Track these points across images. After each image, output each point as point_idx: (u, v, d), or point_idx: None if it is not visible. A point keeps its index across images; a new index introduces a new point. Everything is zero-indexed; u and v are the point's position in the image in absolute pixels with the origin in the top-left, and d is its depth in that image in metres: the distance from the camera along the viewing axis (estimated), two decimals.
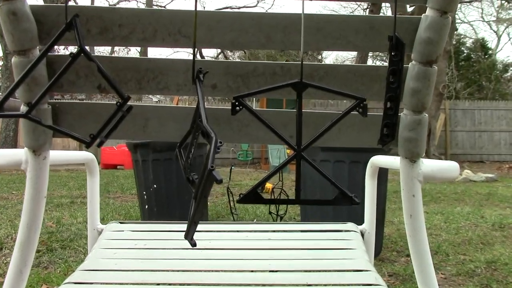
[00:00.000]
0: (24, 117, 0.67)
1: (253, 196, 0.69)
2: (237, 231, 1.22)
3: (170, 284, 0.88)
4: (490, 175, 7.31)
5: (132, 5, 19.68)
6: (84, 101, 0.81)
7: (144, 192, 3.09)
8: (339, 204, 0.67)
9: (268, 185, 5.30)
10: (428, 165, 0.80)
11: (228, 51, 19.00)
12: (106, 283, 0.87)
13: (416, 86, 0.76)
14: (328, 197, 2.31)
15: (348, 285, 0.84)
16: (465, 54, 19.20)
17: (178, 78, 0.78)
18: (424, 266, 0.83)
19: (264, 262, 0.99)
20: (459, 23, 19.38)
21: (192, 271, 0.95)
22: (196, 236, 0.62)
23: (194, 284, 0.88)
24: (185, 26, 0.75)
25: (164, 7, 17.83)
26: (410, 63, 0.78)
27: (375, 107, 8.82)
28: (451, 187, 6.11)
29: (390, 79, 0.74)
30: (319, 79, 0.79)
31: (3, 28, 0.71)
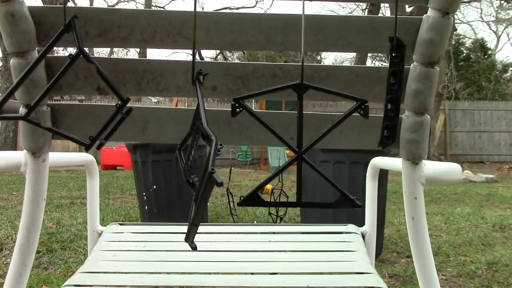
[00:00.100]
0: (23, 120, 0.66)
1: (254, 198, 0.68)
2: (237, 233, 1.21)
3: (170, 287, 0.87)
4: (490, 176, 7.31)
5: (131, 5, 19.69)
6: (83, 103, 0.80)
7: (144, 193, 3.09)
8: (341, 207, 0.66)
9: (268, 186, 5.29)
10: (430, 167, 0.79)
11: (227, 52, 19.00)
12: (106, 286, 0.86)
13: (417, 88, 0.75)
14: (328, 198, 2.30)
15: (350, 287, 0.83)
16: (464, 54, 19.20)
17: (177, 80, 0.77)
18: (426, 269, 0.82)
19: (265, 265, 0.98)
20: (458, 23, 19.40)
21: (192, 273, 0.95)
22: (196, 238, 0.62)
23: (194, 286, 0.87)
24: (185, 27, 0.75)
25: (163, 7, 17.83)
26: (411, 64, 0.77)
27: (374, 107, 8.81)
28: (451, 187, 6.11)
29: (391, 81, 0.74)
30: (319, 81, 0.79)
31: (1, 30, 0.70)
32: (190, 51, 0.74)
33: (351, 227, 1.21)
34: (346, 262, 0.99)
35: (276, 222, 3.35)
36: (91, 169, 1.21)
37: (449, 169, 0.80)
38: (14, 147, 9.94)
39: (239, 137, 0.81)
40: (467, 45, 19.89)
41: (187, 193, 3.05)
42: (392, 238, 3.00)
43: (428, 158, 0.80)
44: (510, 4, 17.86)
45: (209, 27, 0.75)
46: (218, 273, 0.94)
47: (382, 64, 19.70)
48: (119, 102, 0.67)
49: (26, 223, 0.79)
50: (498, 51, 22.11)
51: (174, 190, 3.06)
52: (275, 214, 3.35)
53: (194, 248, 0.62)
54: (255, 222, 3.51)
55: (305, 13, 0.72)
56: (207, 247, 1.09)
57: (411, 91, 0.76)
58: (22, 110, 0.72)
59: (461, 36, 19.67)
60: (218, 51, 18.47)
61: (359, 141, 0.82)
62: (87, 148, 0.67)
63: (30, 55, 0.72)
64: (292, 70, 0.79)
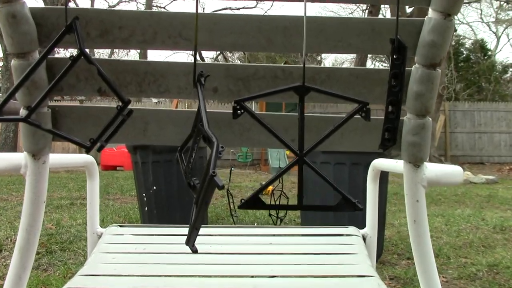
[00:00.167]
0: (23, 122, 0.66)
1: (255, 201, 0.68)
2: (238, 235, 1.21)
3: None
4: (490, 177, 7.30)
5: (131, 5, 19.64)
6: (84, 105, 0.80)
7: (144, 194, 3.08)
8: (342, 210, 0.66)
9: (268, 187, 5.30)
10: (432, 170, 0.79)
11: (228, 52, 19.00)
12: None
13: (419, 90, 0.75)
14: (329, 200, 2.30)
15: None
16: (464, 55, 19.20)
17: (179, 81, 0.77)
18: (428, 272, 0.82)
19: (265, 267, 0.98)
20: (458, 24, 19.39)
21: (192, 276, 0.94)
22: (196, 240, 0.61)
23: None
24: (185, 28, 0.75)
25: (163, 7, 17.82)
26: (413, 66, 0.77)
27: (374, 108, 8.79)
28: (452, 189, 6.10)
29: (392, 83, 0.73)
30: (320, 82, 0.79)
31: (2, 31, 0.70)
32: (190, 51, 0.73)
33: (352, 229, 1.21)
34: (347, 265, 0.99)
35: (276, 224, 3.35)
36: (91, 170, 1.20)
37: (451, 172, 0.80)
38: (14, 147, 9.93)
39: (240, 139, 0.81)
40: (467, 46, 19.89)
41: (187, 194, 3.05)
42: (393, 240, 3.00)
43: (428, 159, 0.80)
44: (510, 5, 17.87)
45: (210, 28, 0.75)
46: (218, 276, 0.94)
47: (382, 65, 19.72)
48: (120, 104, 0.67)
49: (26, 225, 0.79)
50: (498, 52, 22.12)
51: (174, 191, 3.05)
52: (276, 215, 3.35)
53: (195, 251, 0.62)
54: (255, 223, 3.50)
55: (307, 14, 0.72)
56: (207, 250, 1.08)
57: (413, 93, 0.76)
58: (23, 112, 0.71)
59: (461, 37, 19.67)
60: (218, 52, 18.46)
61: (361, 144, 0.81)
62: (87, 151, 0.67)
63: (31, 56, 0.72)
64: (293, 72, 0.79)
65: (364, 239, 1.17)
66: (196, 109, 0.72)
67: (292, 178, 5.91)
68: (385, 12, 16.14)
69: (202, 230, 1.23)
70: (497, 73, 18.78)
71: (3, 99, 0.65)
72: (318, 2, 0.75)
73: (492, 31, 22.24)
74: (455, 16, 0.75)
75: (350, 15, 18.35)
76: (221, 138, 0.79)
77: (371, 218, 1.19)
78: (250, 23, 0.75)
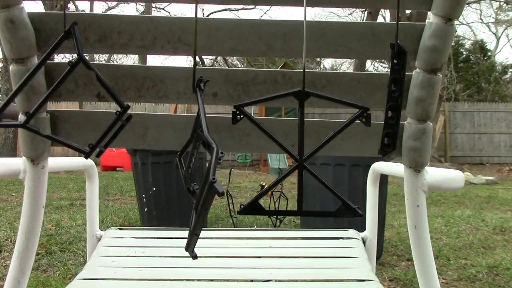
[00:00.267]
0: (22, 127, 0.66)
1: (254, 207, 0.68)
2: (237, 238, 1.21)
3: None
4: (490, 178, 7.30)
5: (131, 8, 19.57)
6: (83, 110, 0.80)
7: (144, 195, 3.08)
8: (342, 216, 0.66)
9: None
10: (433, 174, 0.79)
11: None
12: None
13: (420, 95, 0.75)
14: (329, 203, 2.29)
15: None
16: (464, 55, 19.19)
17: (178, 86, 0.77)
18: (428, 278, 0.82)
19: (264, 271, 0.98)
20: (458, 24, 19.38)
21: (191, 280, 0.94)
22: (196, 244, 0.61)
23: None
24: (185, 33, 0.74)
25: (163, 9, 17.80)
26: (414, 71, 0.77)
27: (374, 109, 8.78)
28: None
29: (392, 88, 0.73)
30: (321, 87, 0.78)
31: (0, 36, 0.69)
32: (189, 56, 0.73)
33: (351, 232, 1.20)
34: (347, 269, 0.98)
35: (276, 225, 3.35)
36: (91, 173, 1.20)
37: (452, 177, 0.80)
38: (14, 148, 9.92)
39: (240, 143, 0.80)
40: (466, 46, 19.88)
41: (187, 195, 3.04)
42: (392, 241, 2.99)
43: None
44: (509, 6, 17.87)
45: (209, 33, 0.74)
46: (218, 280, 0.94)
47: (382, 65, 19.70)
48: (119, 110, 0.67)
49: (25, 230, 0.79)
50: (498, 52, 22.09)
51: (174, 192, 3.05)
52: (275, 216, 3.35)
53: (194, 257, 0.61)
54: (254, 226, 3.50)
55: (306, 18, 0.71)
56: (207, 253, 1.08)
57: (414, 98, 0.76)
58: (21, 117, 0.71)
59: (461, 38, 19.66)
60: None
61: (361, 148, 0.81)
62: (86, 156, 0.67)
63: (29, 62, 0.72)
64: (293, 77, 0.79)
65: (364, 242, 1.17)
66: (195, 112, 0.71)
67: (291, 179, 5.90)
68: (385, 12, 16.13)
69: (202, 233, 1.23)
70: (497, 74, 18.78)
71: (2, 105, 0.65)
72: (318, 6, 0.75)
73: (492, 32, 22.25)
74: None
75: (350, 16, 18.32)
76: (221, 142, 0.78)
77: (371, 221, 1.19)
78: (250, 28, 0.75)
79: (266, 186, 5.38)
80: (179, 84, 0.77)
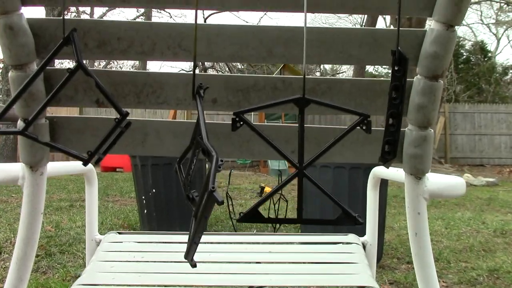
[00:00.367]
0: (20, 134, 0.65)
1: (253, 214, 0.67)
2: (237, 242, 1.20)
3: None
4: (490, 179, 7.29)
5: (131, 11, 19.45)
6: (82, 116, 0.80)
7: (143, 197, 3.08)
8: (342, 224, 0.65)
9: (267, 189, 5.28)
10: (434, 182, 0.78)
11: None
12: None
13: (421, 102, 0.74)
14: (328, 207, 2.26)
15: None
16: (464, 56, 19.18)
17: (177, 93, 0.76)
18: (429, 283, 0.81)
19: (264, 277, 0.97)
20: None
21: (191, 286, 0.94)
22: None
23: None
24: (185, 39, 0.74)
25: (163, 10, 17.78)
26: (415, 78, 0.76)
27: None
28: None
29: (393, 95, 0.72)
30: (321, 94, 0.78)
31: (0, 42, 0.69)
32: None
33: (351, 237, 1.20)
34: (347, 275, 0.98)
35: (275, 228, 3.34)
36: (90, 177, 1.20)
37: (454, 184, 0.79)
38: (14, 148, 9.92)
39: (239, 150, 0.80)
40: (467, 47, 19.87)
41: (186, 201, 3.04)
42: (392, 244, 2.99)
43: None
44: (510, 7, 17.87)
45: (209, 39, 0.74)
46: (217, 286, 0.93)
47: (382, 66, 19.68)
48: (118, 117, 0.66)
49: (23, 236, 0.78)
50: (498, 53, 22.09)
51: (174, 194, 3.05)
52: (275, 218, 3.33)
53: (193, 266, 0.61)
54: (254, 229, 3.49)
55: (306, 24, 0.71)
56: (207, 258, 1.08)
57: (415, 105, 0.75)
58: (20, 124, 0.71)
59: (461, 39, 19.65)
60: None
61: (362, 155, 0.81)
62: (85, 164, 0.66)
63: (28, 68, 0.71)
64: (293, 83, 0.78)
65: (364, 247, 1.17)
66: (195, 118, 0.71)
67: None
68: (384, 16, 16.11)
69: (201, 238, 1.23)
70: (497, 75, 18.77)
71: (1, 111, 0.64)
72: (319, 12, 0.74)
73: (492, 33, 22.23)
74: None
75: (349, 16, 18.30)
76: (220, 149, 0.78)
77: (371, 225, 1.18)
78: (251, 34, 0.74)
79: (265, 187, 5.36)
80: (178, 90, 0.76)
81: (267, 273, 1.00)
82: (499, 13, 20.74)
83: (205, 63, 17.05)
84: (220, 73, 19.00)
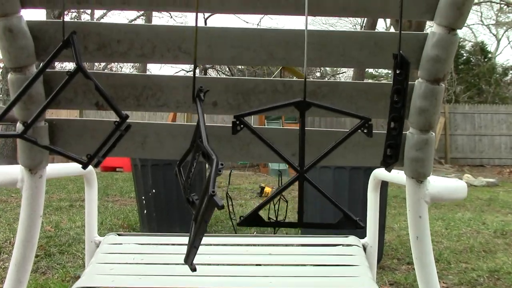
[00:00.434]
0: (19, 138, 0.65)
1: (254, 218, 0.67)
2: (237, 244, 1.20)
3: None
4: (491, 180, 7.29)
5: (132, 13, 19.39)
6: (81, 118, 0.79)
7: (143, 197, 3.07)
8: (343, 228, 0.65)
9: (267, 190, 5.28)
10: (435, 185, 0.78)
11: None
12: None
13: (423, 105, 0.74)
14: (329, 209, 2.25)
15: None
16: (464, 57, 19.17)
17: (177, 95, 0.76)
18: (429, 284, 0.81)
19: (264, 280, 0.97)
20: None
21: None
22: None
23: None
24: (185, 42, 0.74)
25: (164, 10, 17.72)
26: (416, 81, 0.76)
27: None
28: None
29: (394, 99, 0.72)
30: (322, 96, 0.78)
31: None
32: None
33: (352, 239, 1.19)
34: (347, 278, 0.98)
35: (275, 229, 3.34)
36: (90, 179, 1.19)
37: (455, 187, 0.79)
38: (14, 148, 9.92)
39: (240, 153, 0.79)
40: (467, 48, 19.86)
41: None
42: (393, 244, 2.98)
43: None
44: (510, 8, 17.86)
45: (210, 42, 0.74)
46: None
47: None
48: (118, 120, 0.66)
49: (22, 239, 0.78)
50: (498, 54, 22.06)
51: (174, 194, 3.05)
52: (275, 219, 3.34)
53: (193, 270, 0.61)
54: (254, 231, 3.48)
55: (307, 27, 0.70)
56: (206, 260, 1.07)
57: (416, 108, 0.75)
58: (19, 127, 0.70)
59: (461, 39, 19.64)
60: None
61: (363, 158, 0.80)
62: (84, 167, 0.66)
63: (28, 71, 0.71)
64: (294, 86, 0.78)
65: (364, 249, 1.16)
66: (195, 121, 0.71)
67: None
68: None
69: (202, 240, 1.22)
70: (498, 76, 18.77)
71: (1, 113, 0.64)
72: (320, 15, 0.74)
73: (492, 34, 22.22)
74: None
75: (349, 17, 18.32)
76: (221, 152, 0.78)
77: (372, 227, 1.18)
78: (251, 37, 0.74)
79: (265, 188, 5.35)
80: (178, 93, 0.76)
81: (267, 276, 0.99)
82: (499, 14, 20.74)
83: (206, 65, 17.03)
84: (220, 73, 18.99)
